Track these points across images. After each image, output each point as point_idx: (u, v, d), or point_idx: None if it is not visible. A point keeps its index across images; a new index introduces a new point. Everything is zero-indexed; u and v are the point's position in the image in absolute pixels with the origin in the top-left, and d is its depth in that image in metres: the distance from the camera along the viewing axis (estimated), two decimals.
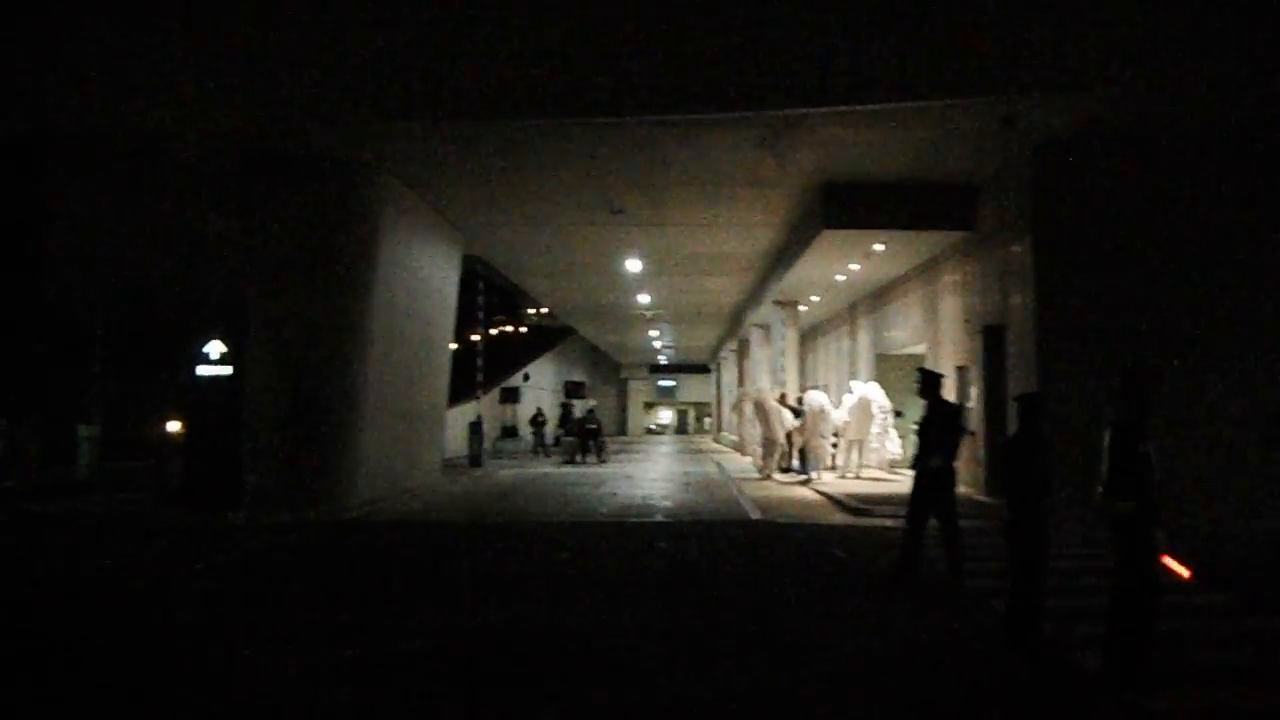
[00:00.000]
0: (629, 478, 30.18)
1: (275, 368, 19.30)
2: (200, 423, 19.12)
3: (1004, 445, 9.76)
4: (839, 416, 26.93)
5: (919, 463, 11.84)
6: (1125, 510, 7.41)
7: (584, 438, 38.24)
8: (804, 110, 16.01)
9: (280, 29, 15.84)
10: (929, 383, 12.30)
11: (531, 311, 72.17)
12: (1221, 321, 16.72)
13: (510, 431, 46.51)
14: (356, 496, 20.12)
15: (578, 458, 37.34)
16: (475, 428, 34.74)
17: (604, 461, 37.45)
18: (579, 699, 7.54)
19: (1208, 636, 9.24)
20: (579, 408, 43.64)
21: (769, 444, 28.67)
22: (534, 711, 7.28)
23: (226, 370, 19.09)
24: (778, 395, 29.61)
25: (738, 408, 38.90)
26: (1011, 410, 11.69)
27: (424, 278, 24.30)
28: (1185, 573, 7.52)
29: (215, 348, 19.04)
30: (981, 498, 19.88)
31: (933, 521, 11.74)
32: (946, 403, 12.49)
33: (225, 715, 7.29)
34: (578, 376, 72.43)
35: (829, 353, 41.69)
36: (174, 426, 19.76)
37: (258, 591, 11.94)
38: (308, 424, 19.31)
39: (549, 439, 42.43)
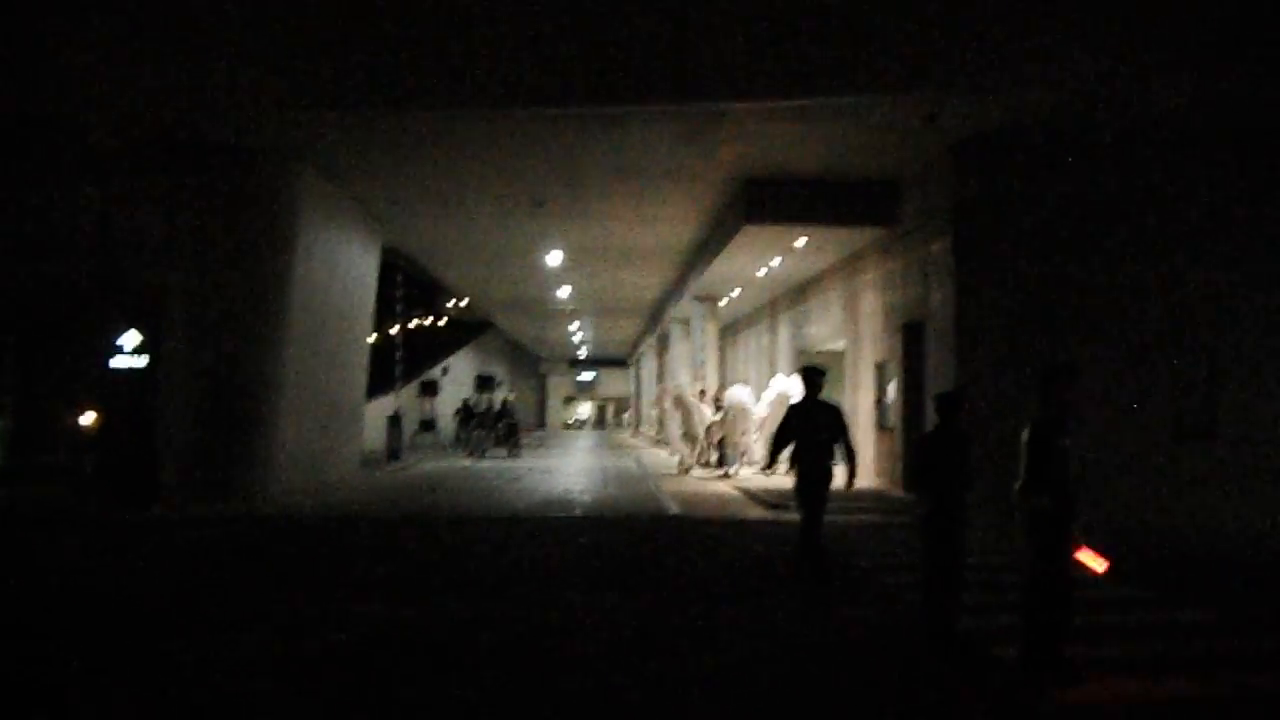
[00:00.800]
0: (548, 472, 30.18)
1: (192, 359, 19.06)
2: (116, 415, 18.79)
3: (921, 441, 9.80)
4: (759, 411, 27.05)
5: (807, 464, 11.07)
6: (1042, 505, 7.51)
7: (505, 432, 38.33)
8: (726, 104, 16.05)
9: (195, 15, 15.61)
10: (817, 381, 11.38)
11: (450, 304, 71.79)
12: (1138, 318, 16.94)
13: (429, 425, 46.18)
14: (274, 490, 19.94)
15: (488, 451, 37.37)
16: (394, 421, 34.53)
17: (517, 455, 37.46)
18: (499, 690, 7.52)
19: (1121, 629, 9.41)
20: (495, 401, 43.36)
21: (689, 439, 28.76)
22: (451, 700, 7.25)
23: (142, 361, 18.77)
24: (697, 391, 29.72)
25: (658, 403, 39.02)
26: (930, 407, 11.75)
27: (343, 269, 24.10)
28: (1100, 568, 7.64)
29: (131, 338, 18.72)
30: (897, 493, 20.07)
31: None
32: (828, 403, 11.69)
33: (151, 708, 7.19)
34: (497, 370, 72.06)
35: (749, 348, 41.89)
36: (89, 419, 19.40)
37: (178, 586, 11.74)
38: (225, 416, 19.09)
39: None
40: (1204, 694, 7.57)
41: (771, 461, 11.99)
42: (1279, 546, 14.80)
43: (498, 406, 41.48)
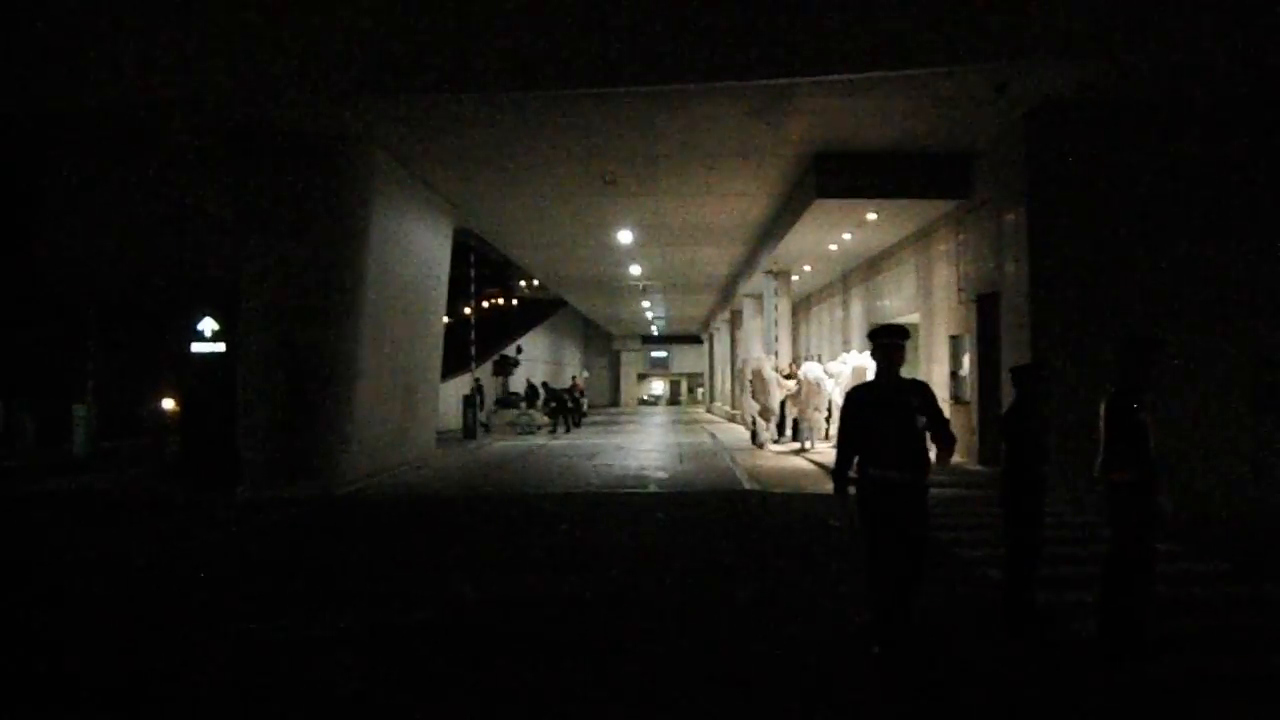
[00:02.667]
0: (621, 449, 30.26)
1: (270, 343, 19.29)
2: (196, 400, 19.09)
3: (1003, 417, 9.68)
4: (831, 387, 26.96)
5: (913, 466, 7.59)
6: (1124, 479, 7.45)
7: (566, 411, 39.12)
8: (795, 80, 15.96)
9: (268, 3, 15.76)
10: (900, 346, 7.77)
11: (523, 284, 72.12)
12: (1215, 289, 16.70)
13: (503, 403, 46.52)
14: (353, 471, 20.16)
15: (539, 430, 38.25)
16: (469, 401, 34.79)
17: (571, 430, 38.72)
18: (582, 667, 7.59)
19: (1201, 603, 9.30)
20: (563, 380, 43.59)
21: (764, 414, 28.71)
22: (539, 678, 7.33)
23: (220, 347, 19.03)
24: (777, 366, 29.61)
25: (740, 377, 39.00)
26: (1006, 379, 11.64)
27: (416, 252, 24.27)
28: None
29: (209, 325, 18.99)
30: (975, 466, 19.93)
31: None
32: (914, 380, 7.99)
33: (238, 686, 7.33)
34: (570, 349, 72.40)
35: (821, 323, 41.69)
36: (169, 404, 19.72)
37: (262, 566, 11.96)
38: (303, 399, 19.33)
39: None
40: None
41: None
42: None
43: (539, 386, 41.74)
